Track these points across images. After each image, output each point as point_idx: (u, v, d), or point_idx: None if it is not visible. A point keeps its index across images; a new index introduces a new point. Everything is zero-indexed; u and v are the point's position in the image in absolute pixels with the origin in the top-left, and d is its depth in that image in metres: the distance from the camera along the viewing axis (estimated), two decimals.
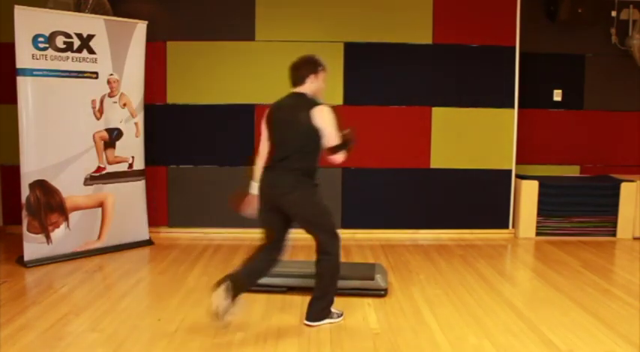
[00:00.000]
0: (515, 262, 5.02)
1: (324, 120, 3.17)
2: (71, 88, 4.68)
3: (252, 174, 3.43)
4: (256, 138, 5.61)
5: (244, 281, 3.24)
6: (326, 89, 3.44)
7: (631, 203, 5.61)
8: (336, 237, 3.33)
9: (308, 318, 3.40)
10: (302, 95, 3.29)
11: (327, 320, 3.41)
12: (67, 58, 4.63)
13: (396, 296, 3.89)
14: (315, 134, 3.19)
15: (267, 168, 3.36)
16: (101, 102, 4.88)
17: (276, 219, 3.33)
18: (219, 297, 3.09)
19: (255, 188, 3.40)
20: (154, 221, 5.48)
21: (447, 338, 3.21)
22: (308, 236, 5.75)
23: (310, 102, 3.23)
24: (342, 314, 3.50)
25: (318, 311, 3.39)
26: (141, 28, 5.06)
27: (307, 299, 3.81)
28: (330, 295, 3.40)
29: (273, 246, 3.40)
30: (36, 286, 4.08)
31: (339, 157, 3.21)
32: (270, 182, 3.29)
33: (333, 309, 3.46)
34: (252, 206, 3.44)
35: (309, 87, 3.30)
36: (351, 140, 3.20)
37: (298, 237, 5.62)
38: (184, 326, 3.35)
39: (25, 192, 4.52)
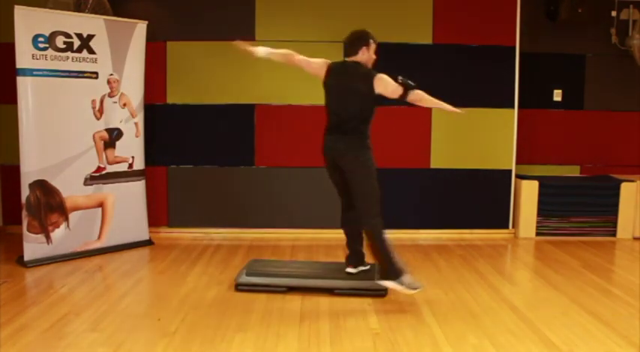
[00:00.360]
0: (515, 262, 5.02)
1: (386, 84, 3.56)
2: (71, 88, 4.68)
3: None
4: (256, 138, 5.62)
5: (356, 249, 3.93)
6: (374, 59, 3.78)
7: (631, 203, 5.61)
8: (376, 210, 3.64)
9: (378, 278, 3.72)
10: (358, 64, 3.69)
11: (393, 283, 3.60)
12: (67, 58, 4.63)
13: (396, 296, 3.89)
14: (373, 101, 3.61)
15: (326, 131, 3.79)
16: (101, 102, 4.88)
17: (341, 179, 3.76)
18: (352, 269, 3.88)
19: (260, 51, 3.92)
20: (153, 221, 5.48)
21: (447, 338, 3.21)
22: (307, 236, 5.78)
23: (368, 72, 3.62)
24: (417, 287, 3.64)
25: (382, 272, 3.65)
26: (141, 28, 5.06)
27: (307, 299, 3.83)
28: (387, 255, 3.58)
29: (350, 205, 3.82)
30: (36, 286, 4.08)
31: (416, 97, 3.59)
32: (330, 144, 3.73)
33: (405, 278, 3.61)
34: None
35: (361, 57, 3.70)
36: (408, 83, 3.56)
37: (298, 237, 5.64)
38: (184, 326, 3.35)
39: (25, 192, 4.52)
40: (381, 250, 3.60)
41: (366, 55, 3.71)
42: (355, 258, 4.00)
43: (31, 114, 4.49)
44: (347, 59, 3.74)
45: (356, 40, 3.71)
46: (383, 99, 3.70)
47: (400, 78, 3.59)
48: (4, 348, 2.99)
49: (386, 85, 3.58)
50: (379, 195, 3.67)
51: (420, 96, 3.62)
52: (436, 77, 5.59)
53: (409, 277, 3.65)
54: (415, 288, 3.65)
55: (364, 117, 3.65)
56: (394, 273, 3.61)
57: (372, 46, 3.73)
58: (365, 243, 3.79)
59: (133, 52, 5.03)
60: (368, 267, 4.06)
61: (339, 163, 3.69)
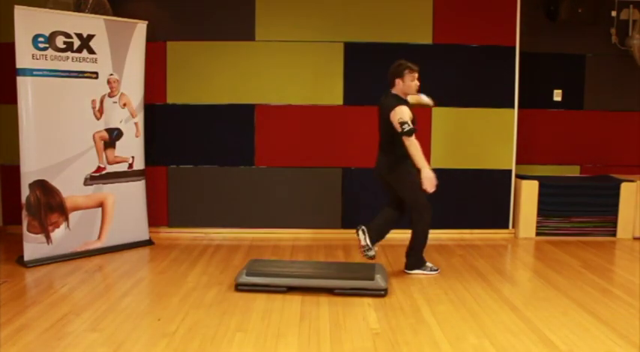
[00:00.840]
0: (515, 262, 5.02)
1: (394, 118, 4.08)
2: (71, 87, 4.68)
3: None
4: (256, 138, 5.62)
5: (378, 227, 4.45)
6: (413, 87, 4.26)
7: (631, 203, 5.61)
8: (421, 207, 4.30)
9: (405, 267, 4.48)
10: (392, 95, 4.26)
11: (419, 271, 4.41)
12: (67, 58, 4.63)
13: (396, 296, 3.90)
14: (391, 128, 4.13)
15: (378, 150, 4.44)
16: (101, 102, 4.88)
17: (390, 188, 4.44)
18: (361, 238, 4.37)
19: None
20: (154, 221, 5.48)
21: (447, 338, 3.21)
22: (307, 236, 5.79)
23: (393, 103, 4.15)
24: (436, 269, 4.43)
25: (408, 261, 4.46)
26: (141, 28, 5.06)
27: (307, 299, 3.83)
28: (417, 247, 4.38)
29: (398, 203, 4.45)
30: (36, 286, 4.08)
31: (408, 142, 4.04)
32: (377, 161, 4.44)
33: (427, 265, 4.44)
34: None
35: (397, 88, 4.25)
36: (408, 129, 4.01)
37: (298, 237, 5.64)
38: (184, 326, 3.35)
39: (25, 192, 4.52)
40: (416, 245, 4.40)
41: (400, 85, 4.22)
42: (371, 230, 4.45)
43: (31, 114, 4.49)
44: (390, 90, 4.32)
45: (390, 75, 4.27)
46: None
47: (402, 121, 4.02)
48: (4, 348, 2.99)
49: (394, 119, 4.09)
50: (422, 202, 4.29)
51: (408, 144, 4.05)
52: (436, 77, 5.60)
53: (430, 265, 4.44)
54: (435, 271, 4.41)
55: (389, 141, 4.24)
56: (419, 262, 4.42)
57: (407, 76, 4.19)
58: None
59: (133, 52, 5.03)
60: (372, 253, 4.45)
61: (384, 179, 4.40)
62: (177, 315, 3.51)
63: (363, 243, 4.37)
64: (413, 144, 4.04)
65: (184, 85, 5.54)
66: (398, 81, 4.22)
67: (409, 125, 4.01)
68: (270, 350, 3.05)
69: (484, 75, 5.61)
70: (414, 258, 4.42)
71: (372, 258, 4.42)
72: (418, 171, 4.07)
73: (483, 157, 5.68)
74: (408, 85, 4.22)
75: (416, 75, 4.22)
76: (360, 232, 4.40)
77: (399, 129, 4.02)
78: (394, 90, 4.27)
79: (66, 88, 4.65)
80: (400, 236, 5.63)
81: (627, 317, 3.53)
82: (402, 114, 4.05)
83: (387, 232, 4.52)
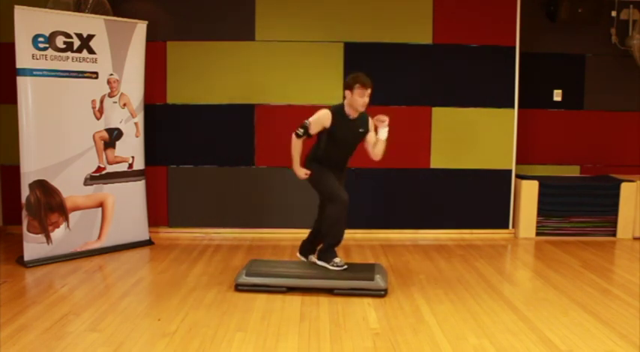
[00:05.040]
0: (515, 262, 5.02)
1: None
2: (71, 87, 4.68)
3: None
4: (256, 138, 5.62)
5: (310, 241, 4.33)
6: (360, 103, 4.00)
7: (631, 203, 5.61)
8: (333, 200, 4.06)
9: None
10: (338, 105, 4.11)
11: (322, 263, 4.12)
12: (67, 58, 4.63)
13: (396, 296, 3.90)
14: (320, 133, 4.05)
15: None
16: (101, 102, 4.88)
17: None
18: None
19: None
20: (154, 221, 5.48)
21: (447, 338, 3.21)
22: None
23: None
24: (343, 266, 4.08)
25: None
26: (141, 28, 5.06)
27: (307, 299, 3.83)
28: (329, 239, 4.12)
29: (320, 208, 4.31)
30: (36, 286, 4.08)
31: (292, 140, 4.02)
32: None
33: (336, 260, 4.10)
34: None
35: (346, 100, 4.02)
36: (299, 131, 3.99)
37: (298, 237, 5.63)
38: (184, 326, 3.35)
39: (25, 192, 4.52)
40: (328, 234, 4.13)
41: (348, 98, 4.00)
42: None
43: (31, 114, 4.49)
44: None
45: (344, 84, 4.11)
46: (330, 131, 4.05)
47: (304, 124, 4.00)
48: (4, 348, 2.99)
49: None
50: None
51: (292, 144, 4.03)
52: (436, 77, 5.61)
53: (339, 260, 4.12)
54: (340, 267, 4.07)
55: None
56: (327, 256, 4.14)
57: (357, 91, 3.95)
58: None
59: (133, 52, 5.03)
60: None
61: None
62: (177, 315, 3.51)
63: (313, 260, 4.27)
64: (293, 145, 4.02)
65: (184, 85, 5.54)
66: (347, 93, 3.98)
67: (303, 130, 3.97)
68: (270, 350, 3.05)
69: (484, 75, 5.61)
70: (324, 250, 4.18)
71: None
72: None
73: (483, 157, 5.68)
74: (355, 99, 3.95)
75: (367, 92, 3.95)
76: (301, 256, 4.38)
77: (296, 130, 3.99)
78: (344, 101, 4.04)
79: (66, 88, 4.65)
80: (400, 236, 5.64)
81: (627, 317, 3.53)
82: (314, 117, 3.99)
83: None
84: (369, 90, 3.96)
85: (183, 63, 5.52)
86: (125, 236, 5.08)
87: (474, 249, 5.21)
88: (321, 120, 3.99)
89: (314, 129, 4.00)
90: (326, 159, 4.10)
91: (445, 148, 5.67)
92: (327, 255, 4.13)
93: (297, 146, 4.03)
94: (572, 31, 5.86)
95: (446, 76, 5.58)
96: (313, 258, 4.26)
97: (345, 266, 4.08)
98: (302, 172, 4.06)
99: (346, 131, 4.04)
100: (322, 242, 4.21)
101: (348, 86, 3.99)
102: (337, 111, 4.02)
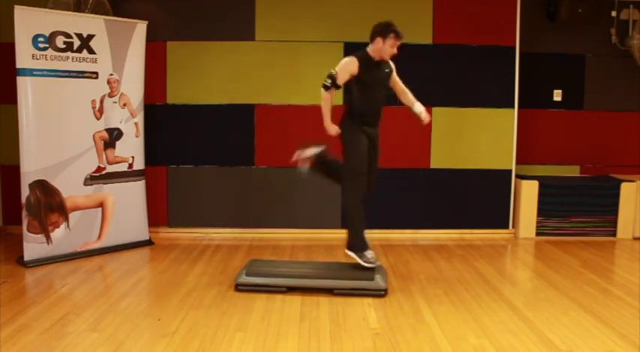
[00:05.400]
0: (515, 262, 5.02)
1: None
2: (71, 87, 4.68)
3: None
4: (256, 138, 5.62)
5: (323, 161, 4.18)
6: (389, 52, 3.99)
7: (631, 203, 5.61)
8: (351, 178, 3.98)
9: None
10: (363, 50, 3.98)
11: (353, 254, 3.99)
12: (67, 58, 4.63)
13: (396, 296, 3.90)
14: (349, 83, 3.94)
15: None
16: (101, 102, 4.88)
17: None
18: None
19: None
20: (154, 221, 5.48)
21: (447, 338, 3.21)
22: (307, 236, 5.77)
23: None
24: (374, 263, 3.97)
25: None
26: (141, 28, 5.06)
27: (307, 299, 3.83)
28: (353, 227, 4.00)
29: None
30: (36, 286, 4.08)
31: (321, 94, 3.92)
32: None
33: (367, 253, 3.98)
34: None
35: (373, 46, 3.94)
36: (327, 83, 3.88)
37: (298, 237, 5.64)
38: (184, 326, 3.35)
39: (25, 192, 4.52)
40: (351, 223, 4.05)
41: (379, 45, 3.93)
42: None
43: (31, 114, 4.49)
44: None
45: (373, 31, 3.97)
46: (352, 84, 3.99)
47: (331, 73, 3.90)
48: (4, 348, 2.99)
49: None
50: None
51: (322, 98, 3.95)
52: (436, 77, 5.60)
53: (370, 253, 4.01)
54: (372, 264, 3.97)
55: (347, 97, 4.09)
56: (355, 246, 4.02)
57: (389, 41, 3.91)
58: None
59: (133, 52, 5.03)
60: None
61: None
62: (177, 315, 3.52)
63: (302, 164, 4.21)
64: (323, 99, 3.92)
65: (184, 85, 5.54)
66: (379, 40, 3.90)
67: (331, 80, 3.84)
68: (270, 350, 3.05)
69: (484, 75, 5.60)
70: (353, 238, 4.04)
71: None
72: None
73: (483, 157, 5.68)
74: (386, 49, 3.91)
75: (398, 43, 3.92)
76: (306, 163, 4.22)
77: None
78: (368, 49, 3.98)
79: (66, 88, 4.65)
80: (400, 236, 5.64)
81: (627, 317, 3.53)
82: (339, 66, 3.89)
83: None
84: (399, 42, 3.93)
85: (183, 63, 5.52)
86: (125, 236, 5.08)
87: (474, 249, 5.21)
88: (348, 66, 3.86)
89: (342, 78, 3.87)
90: (362, 112, 3.95)
91: (445, 148, 5.67)
92: (356, 243, 3.99)
93: (326, 100, 3.90)
94: (572, 31, 5.86)
95: (446, 76, 5.58)
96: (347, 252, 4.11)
97: (379, 263, 4.02)
98: (334, 129, 3.95)
99: (375, 73, 3.96)
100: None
101: (380, 33, 3.88)
102: (362, 56, 3.92)
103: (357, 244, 4.00)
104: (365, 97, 3.93)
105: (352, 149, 3.94)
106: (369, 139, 4.00)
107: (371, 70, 3.94)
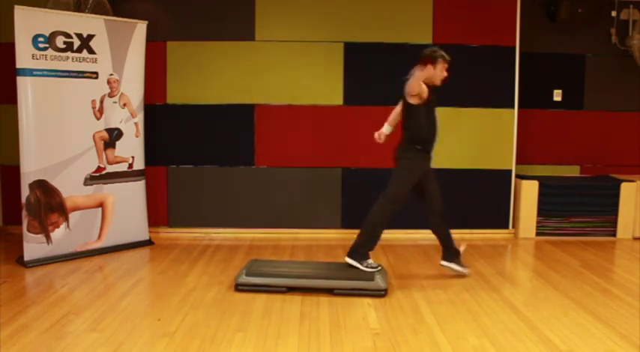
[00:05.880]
0: (515, 262, 5.02)
1: (407, 88, 3.97)
2: (71, 87, 4.68)
3: None
4: (256, 138, 5.62)
5: (446, 243, 4.27)
6: (440, 77, 4.11)
7: (631, 203, 5.61)
8: (395, 202, 4.13)
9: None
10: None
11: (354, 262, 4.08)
12: (67, 58, 4.63)
13: (396, 296, 3.90)
14: (409, 110, 4.04)
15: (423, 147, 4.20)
16: (101, 102, 4.88)
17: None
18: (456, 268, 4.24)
19: None
20: (154, 221, 5.49)
21: (447, 338, 3.21)
22: (307, 236, 5.77)
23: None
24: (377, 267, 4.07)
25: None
26: (141, 28, 5.06)
27: (307, 299, 3.83)
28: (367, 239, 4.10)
29: (428, 208, 4.29)
30: (36, 286, 4.08)
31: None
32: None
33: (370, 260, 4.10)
34: None
35: (424, 73, 4.00)
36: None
37: (298, 237, 5.64)
38: (184, 326, 3.35)
39: (25, 192, 4.52)
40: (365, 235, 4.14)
41: (430, 72, 4.02)
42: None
43: (31, 114, 4.49)
44: None
45: (422, 57, 4.05)
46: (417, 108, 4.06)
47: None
48: (4, 348, 2.99)
49: (410, 86, 3.98)
50: (405, 191, 4.20)
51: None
52: None
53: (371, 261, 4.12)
54: (374, 268, 4.06)
55: (406, 123, 4.15)
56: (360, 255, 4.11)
57: (440, 65, 4.02)
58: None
59: (133, 52, 5.03)
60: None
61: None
62: (177, 315, 3.51)
63: (460, 269, 4.29)
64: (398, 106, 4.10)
65: (184, 85, 5.54)
66: (429, 66, 4.00)
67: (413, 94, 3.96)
68: (270, 350, 3.05)
69: (484, 75, 5.60)
70: (360, 247, 4.11)
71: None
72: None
73: (483, 157, 5.67)
74: (437, 74, 4.03)
75: (447, 66, 4.05)
76: (453, 265, 4.29)
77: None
78: (418, 74, 4.06)
79: (66, 88, 4.65)
80: (400, 236, 5.64)
81: (627, 317, 3.53)
82: (417, 86, 3.94)
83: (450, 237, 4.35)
84: (448, 65, 4.05)
85: (183, 63, 5.52)
86: (125, 236, 5.08)
87: (473, 249, 5.21)
88: (423, 87, 3.93)
89: (420, 98, 3.95)
90: (427, 139, 4.07)
91: (445, 148, 5.65)
92: (361, 252, 4.08)
93: (397, 108, 4.13)
94: (572, 31, 5.86)
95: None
96: (452, 265, 4.29)
97: (380, 268, 4.07)
98: (382, 136, 4.13)
99: (433, 99, 4.06)
100: (446, 241, 4.26)
101: (430, 60, 3.99)
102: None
103: (361, 253, 4.08)
104: (429, 123, 4.04)
105: (407, 178, 4.08)
106: (427, 166, 4.16)
107: (431, 95, 4.04)
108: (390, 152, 5.63)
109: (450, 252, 4.30)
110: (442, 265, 4.32)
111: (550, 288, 4.11)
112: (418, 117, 4.00)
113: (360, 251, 4.07)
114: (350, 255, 4.09)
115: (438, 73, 4.01)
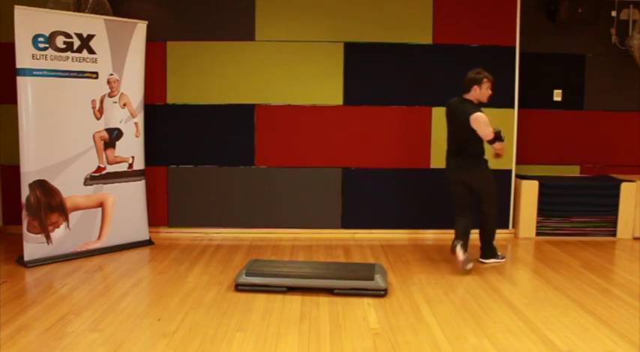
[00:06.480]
0: (515, 262, 5.02)
1: (478, 125, 4.34)
2: (71, 87, 4.68)
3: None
4: (256, 138, 5.62)
5: (466, 237, 4.54)
6: (487, 95, 4.57)
7: (631, 203, 5.61)
8: (494, 200, 4.67)
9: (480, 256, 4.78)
10: (466, 100, 4.52)
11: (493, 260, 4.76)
12: (67, 58, 4.63)
13: (396, 296, 3.90)
14: (471, 132, 4.39)
15: (448, 154, 4.72)
16: (101, 102, 4.88)
17: (464, 189, 4.63)
18: (461, 254, 4.42)
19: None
20: (154, 221, 5.49)
21: (447, 338, 3.21)
22: (307, 236, 5.79)
23: (472, 110, 4.38)
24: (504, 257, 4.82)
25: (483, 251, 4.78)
26: (141, 28, 5.06)
27: (307, 299, 3.83)
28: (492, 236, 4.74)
29: (467, 208, 4.65)
30: (36, 286, 4.08)
31: (497, 147, 4.40)
32: (451, 165, 4.68)
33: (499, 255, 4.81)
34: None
35: (472, 94, 4.51)
36: (500, 135, 4.37)
37: (298, 237, 5.64)
38: (184, 326, 3.35)
39: (25, 192, 4.52)
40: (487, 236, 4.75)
41: (477, 93, 4.50)
42: (465, 244, 4.60)
43: (31, 114, 4.49)
44: (463, 95, 4.57)
45: (468, 80, 4.53)
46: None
47: (498, 129, 4.38)
48: (4, 348, 2.99)
49: (479, 127, 4.35)
50: (494, 188, 4.68)
51: (498, 148, 4.43)
52: (436, 77, 5.60)
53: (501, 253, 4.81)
54: (503, 258, 4.80)
55: (469, 143, 4.50)
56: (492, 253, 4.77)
57: (485, 85, 4.50)
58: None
59: (133, 52, 5.03)
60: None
61: (464, 178, 4.61)
62: (177, 315, 3.52)
63: (462, 257, 4.41)
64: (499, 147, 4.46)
65: (184, 85, 5.54)
66: (475, 87, 4.47)
67: (499, 131, 4.38)
68: (270, 350, 3.05)
69: None
70: (490, 248, 4.74)
71: (470, 270, 4.48)
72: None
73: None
74: (483, 93, 4.49)
75: (490, 85, 4.51)
76: (459, 248, 4.43)
77: (492, 136, 4.33)
78: (468, 96, 4.51)
79: (66, 88, 4.65)
80: (400, 236, 5.64)
81: (627, 317, 3.53)
82: (485, 125, 4.34)
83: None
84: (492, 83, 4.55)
85: (183, 63, 5.52)
86: (125, 236, 5.08)
87: (474, 249, 5.20)
88: (487, 119, 4.38)
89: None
90: (483, 151, 4.56)
91: (445, 148, 5.65)
92: (493, 250, 4.74)
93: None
94: (572, 31, 5.86)
95: (446, 76, 5.57)
96: (485, 261, 4.75)
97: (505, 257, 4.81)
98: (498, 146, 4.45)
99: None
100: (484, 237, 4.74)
101: (476, 81, 4.48)
102: (478, 106, 4.46)
103: (493, 251, 4.76)
104: (481, 139, 4.46)
105: (489, 179, 4.62)
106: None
107: None
108: (388, 153, 5.67)
109: (488, 249, 4.81)
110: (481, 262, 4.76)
111: (550, 288, 4.11)
112: (476, 137, 4.44)
113: (492, 250, 4.74)
114: (485, 257, 4.74)
115: (484, 92, 4.49)
